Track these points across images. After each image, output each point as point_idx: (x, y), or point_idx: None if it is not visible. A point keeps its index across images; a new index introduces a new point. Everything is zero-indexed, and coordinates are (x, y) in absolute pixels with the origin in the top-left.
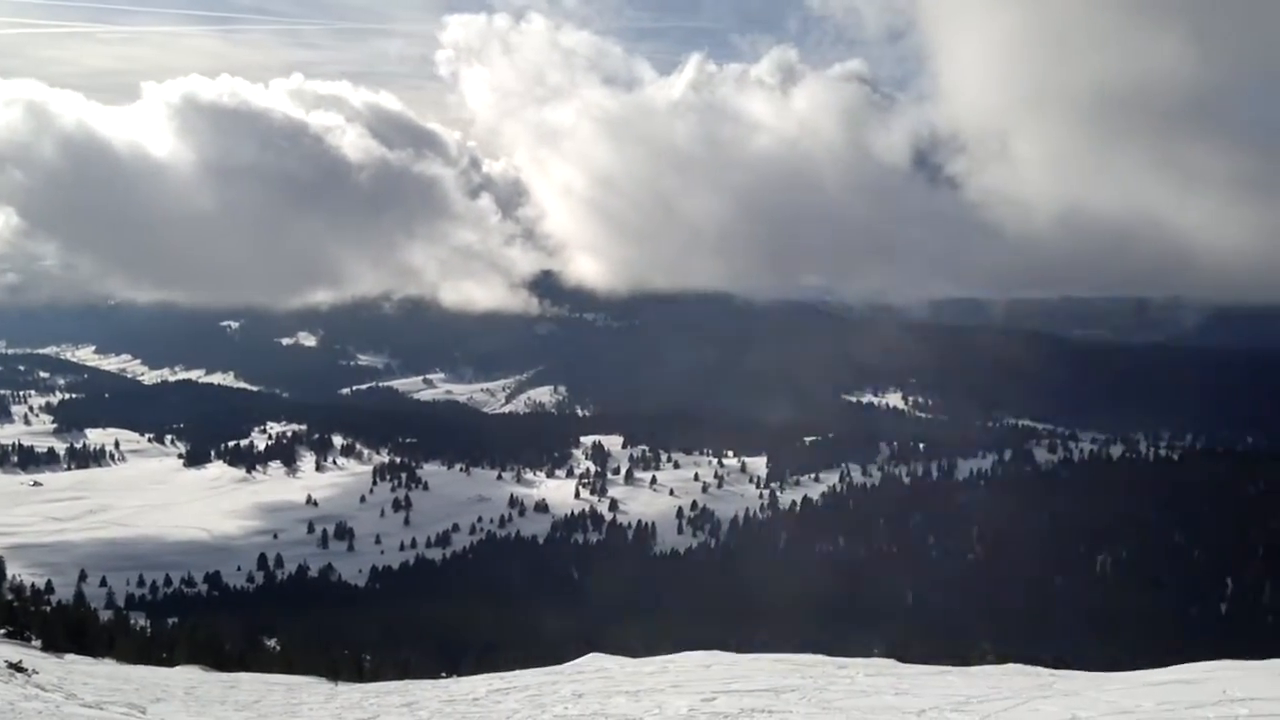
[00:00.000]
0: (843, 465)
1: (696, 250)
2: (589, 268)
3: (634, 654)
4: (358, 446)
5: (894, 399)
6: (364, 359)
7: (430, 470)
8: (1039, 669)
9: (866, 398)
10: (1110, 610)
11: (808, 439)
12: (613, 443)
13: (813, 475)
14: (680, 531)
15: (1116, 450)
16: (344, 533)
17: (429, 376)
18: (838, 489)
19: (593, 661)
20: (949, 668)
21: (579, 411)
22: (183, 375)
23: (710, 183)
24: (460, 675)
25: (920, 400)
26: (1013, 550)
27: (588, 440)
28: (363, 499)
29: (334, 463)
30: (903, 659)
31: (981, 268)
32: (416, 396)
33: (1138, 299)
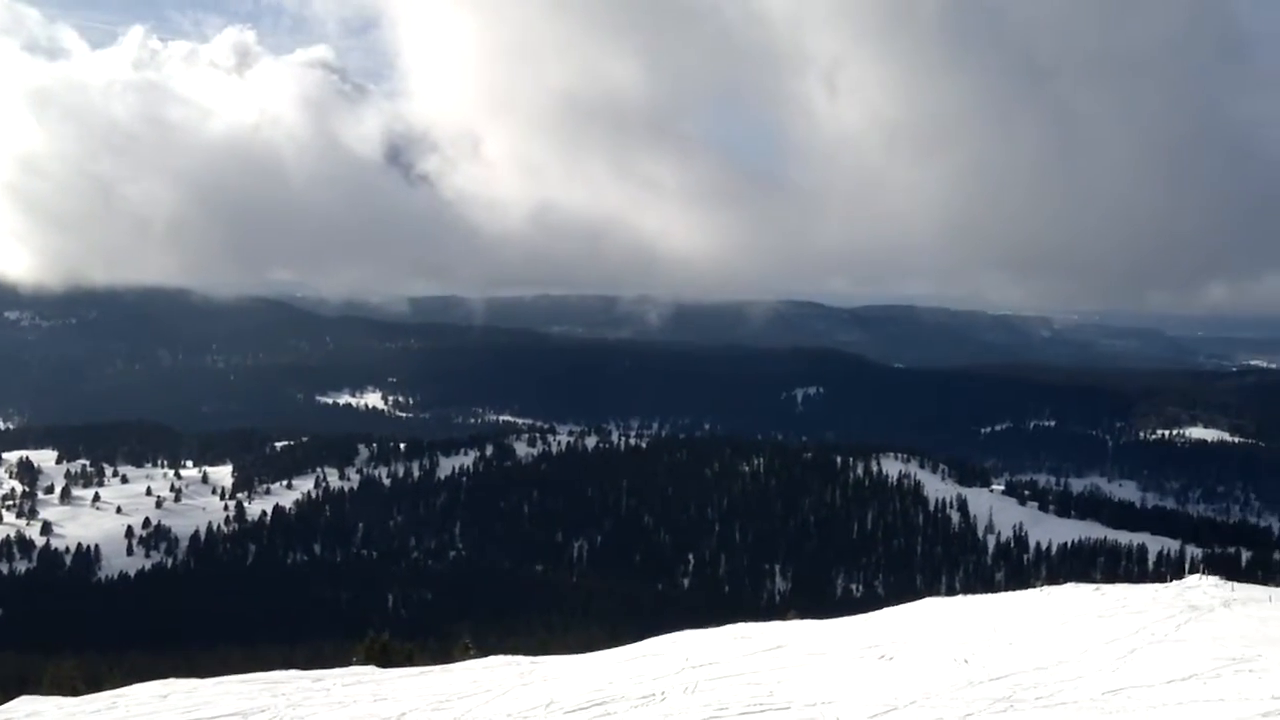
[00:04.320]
0: (318, 470)
1: (145, 241)
2: (9, 258)
3: (77, 693)
4: None
5: (373, 399)
6: None
7: None
8: (520, 658)
9: (344, 399)
10: (588, 593)
11: (279, 444)
12: (44, 458)
13: (285, 482)
14: (131, 553)
15: (591, 441)
16: None
17: None
18: (313, 495)
19: (23, 705)
20: (430, 667)
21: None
22: None
23: (159, 168)
24: None
25: (400, 399)
26: (495, 544)
27: (11, 456)
28: None
29: None
30: (384, 664)
31: (460, 266)
32: None
33: (609, 297)
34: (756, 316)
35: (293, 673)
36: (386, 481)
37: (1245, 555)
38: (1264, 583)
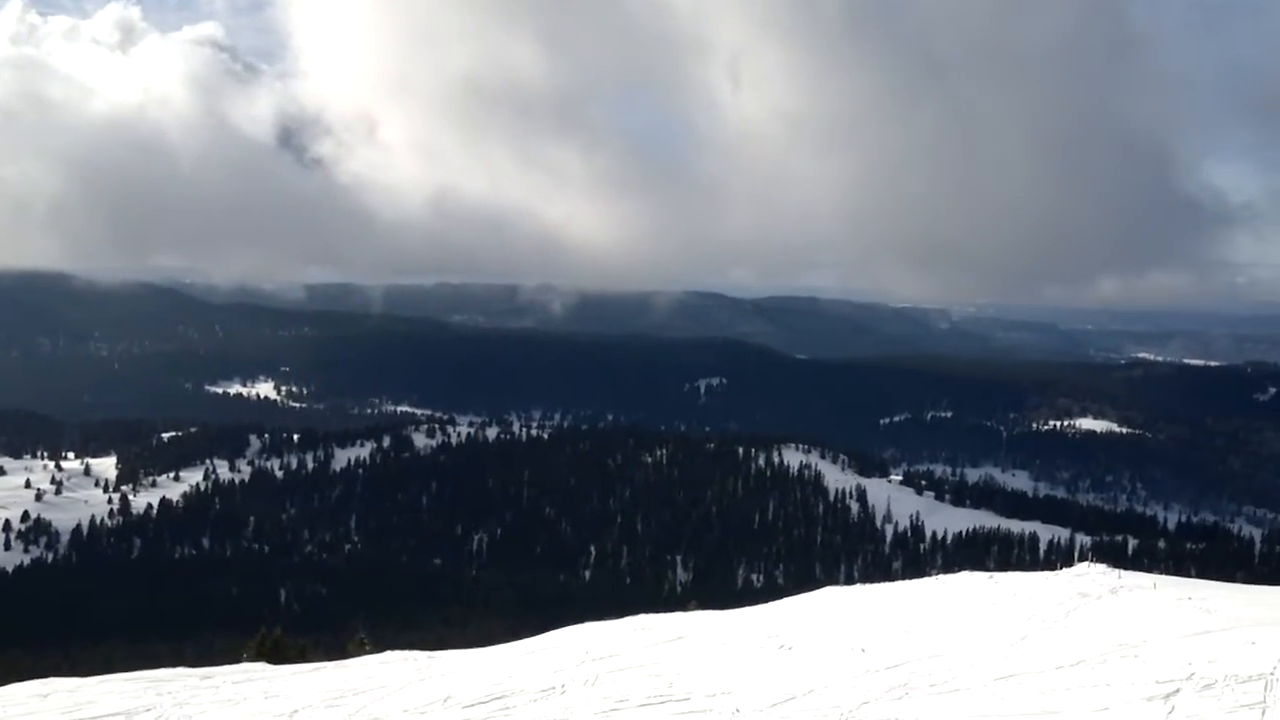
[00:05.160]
0: (207, 461)
1: (24, 223)
2: None
3: None
4: None
5: (265, 388)
6: None
7: None
8: (417, 653)
9: (234, 388)
10: (489, 586)
11: (166, 435)
12: None
13: (172, 474)
14: (8, 548)
15: (492, 432)
16: None
17: None
18: (202, 487)
19: None
20: (324, 663)
21: None
22: None
23: (38, 148)
24: None
25: (294, 389)
26: (392, 537)
27: None
28: None
29: None
30: (276, 660)
31: (357, 252)
32: None
33: (511, 285)
34: (661, 307)
35: (180, 670)
36: (279, 473)
37: (1132, 543)
38: (1149, 570)
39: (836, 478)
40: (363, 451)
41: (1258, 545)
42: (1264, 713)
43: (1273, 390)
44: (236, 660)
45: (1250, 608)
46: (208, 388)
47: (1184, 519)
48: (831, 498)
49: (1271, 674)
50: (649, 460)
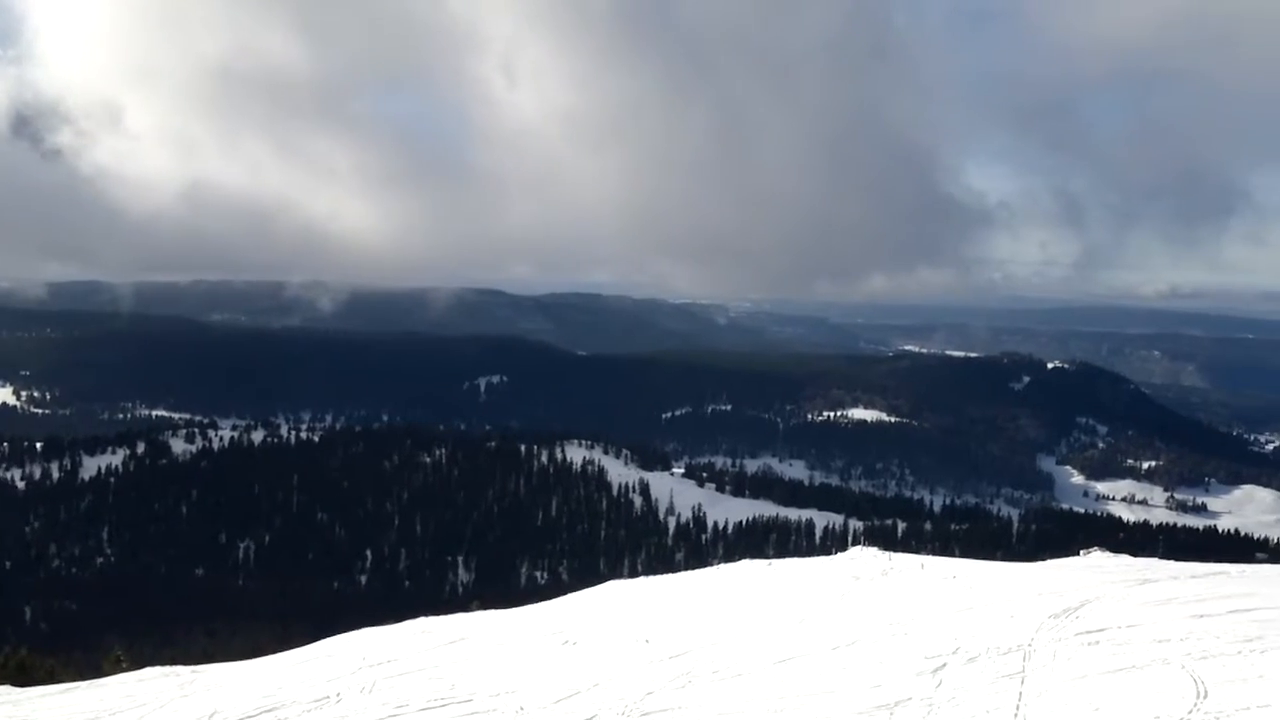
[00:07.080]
0: None
1: None
2: None
3: None
4: None
5: (3, 394)
6: None
7: None
8: (179, 668)
9: None
10: (256, 595)
11: None
12: None
13: None
14: None
15: (258, 436)
16: None
17: None
18: None
19: None
20: (77, 683)
21: None
22: None
23: None
24: None
25: (36, 394)
26: (149, 548)
27: None
28: None
29: None
30: (22, 682)
31: (103, 248)
32: None
33: (275, 282)
34: (437, 304)
35: None
36: (20, 484)
37: (901, 526)
38: (918, 551)
39: (619, 472)
40: (114, 459)
41: (1015, 525)
42: (1023, 681)
43: (1026, 379)
44: None
45: (1009, 584)
46: None
47: (948, 502)
48: (615, 493)
49: (1029, 645)
50: (427, 460)
